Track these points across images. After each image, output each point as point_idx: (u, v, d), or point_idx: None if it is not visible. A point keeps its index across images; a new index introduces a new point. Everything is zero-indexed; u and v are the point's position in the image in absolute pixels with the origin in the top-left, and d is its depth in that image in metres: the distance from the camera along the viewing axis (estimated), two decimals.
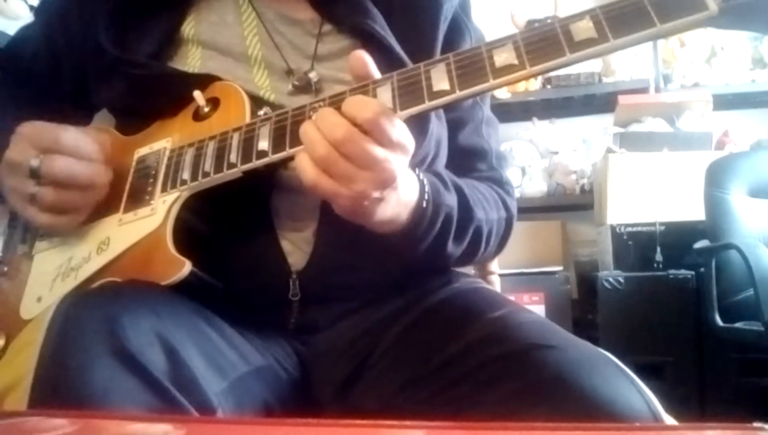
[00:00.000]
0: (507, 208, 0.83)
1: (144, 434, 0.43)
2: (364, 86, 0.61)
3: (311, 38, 0.77)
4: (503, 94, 2.79)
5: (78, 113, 0.88)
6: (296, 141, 0.61)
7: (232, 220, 0.71)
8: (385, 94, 0.59)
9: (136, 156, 0.75)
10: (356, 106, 0.57)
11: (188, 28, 0.78)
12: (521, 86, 2.82)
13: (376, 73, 0.61)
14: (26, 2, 1.73)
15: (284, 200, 0.72)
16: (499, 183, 0.85)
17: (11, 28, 1.54)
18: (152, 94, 0.75)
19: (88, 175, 0.69)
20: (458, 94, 0.57)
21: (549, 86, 2.83)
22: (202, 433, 0.45)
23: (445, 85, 0.57)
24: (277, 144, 0.63)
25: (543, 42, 0.55)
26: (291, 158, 0.62)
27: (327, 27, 0.78)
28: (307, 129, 0.58)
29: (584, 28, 0.54)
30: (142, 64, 0.74)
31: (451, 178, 0.74)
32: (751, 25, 0.54)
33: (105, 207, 0.72)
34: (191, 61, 0.76)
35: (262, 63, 0.76)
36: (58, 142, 0.67)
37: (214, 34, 0.77)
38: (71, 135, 0.69)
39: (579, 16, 0.55)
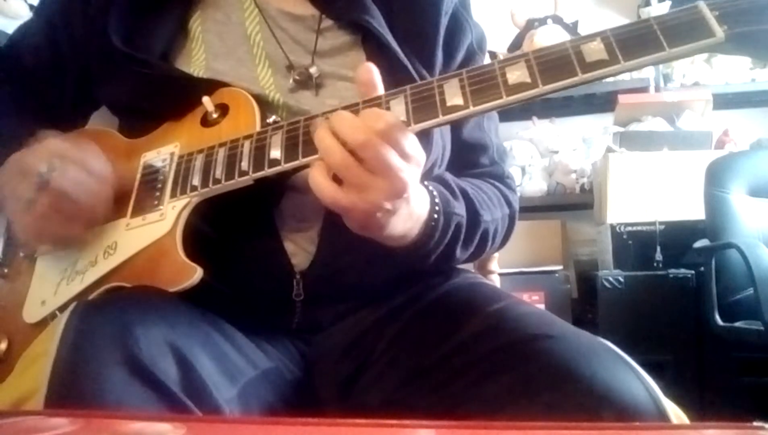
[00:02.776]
0: (509, 204, 0.84)
1: (144, 434, 0.43)
2: (377, 99, 0.61)
3: (313, 34, 0.77)
4: None
5: (77, 113, 0.88)
6: (309, 150, 0.62)
7: (236, 221, 0.71)
8: (398, 106, 0.60)
9: (142, 160, 0.74)
10: (372, 116, 0.58)
11: (195, 24, 0.78)
12: None
13: (380, 84, 0.62)
14: (26, 1, 1.73)
15: (288, 201, 0.72)
16: (501, 178, 0.86)
17: (11, 27, 1.53)
18: (159, 94, 0.74)
19: (94, 191, 0.68)
20: (471, 109, 0.58)
21: None
22: (201, 432, 0.45)
23: (458, 101, 0.58)
24: (290, 153, 0.63)
25: (555, 61, 0.56)
26: (302, 166, 0.63)
27: (327, 23, 0.78)
28: (323, 136, 0.58)
29: (595, 50, 0.55)
30: (151, 63, 0.74)
31: (456, 183, 0.75)
32: (755, 52, 0.56)
33: (111, 211, 0.72)
34: (196, 60, 0.76)
35: (266, 61, 0.76)
36: (71, 152, 0.67)
37: (219, 33, 0.77)
38: (87, 149, 0.68)
39: (590, 38, 0.56)
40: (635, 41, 0.54)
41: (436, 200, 0.68)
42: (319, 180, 0.59)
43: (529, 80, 0.56)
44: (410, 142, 0.58)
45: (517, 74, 0.57)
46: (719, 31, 0.52)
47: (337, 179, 0.59)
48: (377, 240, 0.64)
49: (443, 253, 0.72)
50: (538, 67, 0.56)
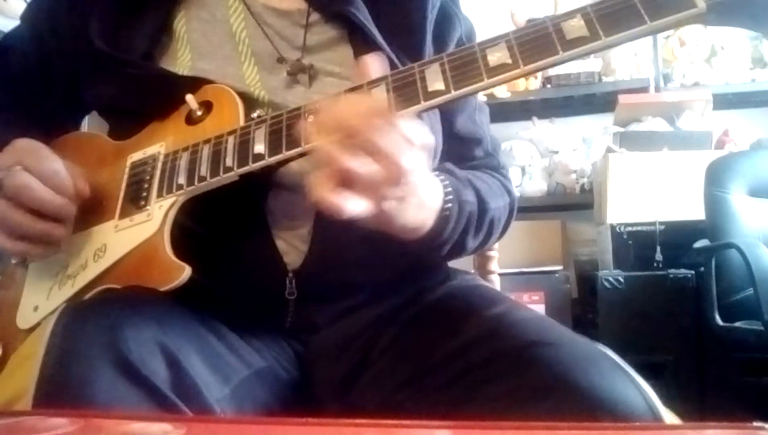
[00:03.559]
0: (509, 193, 0.83)
1: (144, 434, 0.43)
2: (359, 87, 0.61)
3: (299, 29, 0.77)
4: (503, 93, 2.79)
5: (68, 116, 0.88)
6: (293, 143, 0.61)
7: (227, 220, 0.71)
8: (380, 94, 0.59)
9: (129, 161, 0.74)
10: (354, 102, 0.57)
11: (180, 24, 0.78)
12: (521, 85, 2.82)
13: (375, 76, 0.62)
14: (26, 1, 1.73)
15: (279, 199, 0.71)
16: (497, 168, 0.86)
17: (11, 27, 1.54)
18: (144, 94, 0.74)
19: (43, 203, 0.66)
20: (453, 93, 0.57)
21: (549, 85, 2.83)
22: (201, 432, 0.45)
23: (440, 85, 0.58)
24: (274, 147, 0.63)
25: (535, 41, 0.56)
26: (287, 160, 0.62)
27: (314, 17, 0.77)
28: (320, 145, 0.54)
29: (576, 27, 0.54)
30: (135, 63, 0.74)
31: (460, 172, 0.74)
32: (738, 21, 0.55)
33: (100, 214, 0.72)
34: (181, 61, 0.76)
35: (252, 58, 0.75)
36: (34, 164, 0.66)
37: (204, 31, 0.77)
38: (52, 163, 0.67)
39: (570, 15, 0.55)
40: (616, 16, 0.54)
41: (448, 189, 0.67)
42: (321, 189, 0.53)
43: (510, 61, 0.56)
44: (401, 125, 0.56)
45: (498, 55, 0.56)
46: (700, 2, 0.52)
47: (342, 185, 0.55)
48: (392, 234, 0.62)
49: (456, 243, 0.71)
50: (519, 48, 0.56)
